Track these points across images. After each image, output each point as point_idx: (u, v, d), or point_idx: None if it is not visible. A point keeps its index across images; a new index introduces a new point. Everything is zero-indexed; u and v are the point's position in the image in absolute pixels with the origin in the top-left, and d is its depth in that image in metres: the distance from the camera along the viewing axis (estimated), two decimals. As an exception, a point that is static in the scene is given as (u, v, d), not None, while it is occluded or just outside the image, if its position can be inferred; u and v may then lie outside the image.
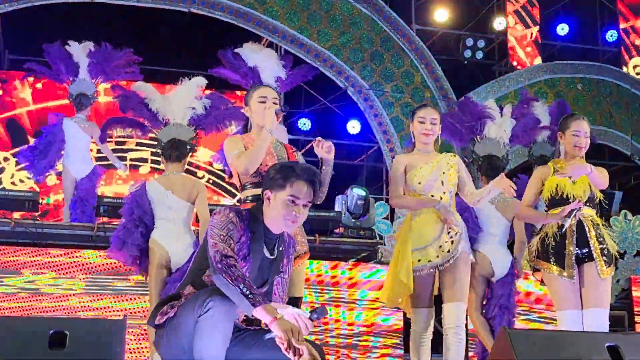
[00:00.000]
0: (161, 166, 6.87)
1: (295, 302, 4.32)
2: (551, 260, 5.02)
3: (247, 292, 3.32)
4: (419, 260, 4.89)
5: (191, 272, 3.72)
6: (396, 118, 12.67)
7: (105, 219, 7.95)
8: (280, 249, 3.79)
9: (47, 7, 11.63)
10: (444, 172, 5.05)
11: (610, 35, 15.16)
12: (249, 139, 4.57)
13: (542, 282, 5.33)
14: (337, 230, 8.54)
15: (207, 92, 7.22)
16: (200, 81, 7.07)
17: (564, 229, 4.96)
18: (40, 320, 4.08)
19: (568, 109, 9.48)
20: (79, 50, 8.82)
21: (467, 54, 13.87)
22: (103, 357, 3.26)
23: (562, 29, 14.91)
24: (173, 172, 6.39)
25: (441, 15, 13.99)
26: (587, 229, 5.05)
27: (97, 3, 11.67)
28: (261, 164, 4.42)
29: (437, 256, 4.88)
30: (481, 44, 13.90)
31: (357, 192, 8.77)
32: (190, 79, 7.03)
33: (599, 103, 14.11)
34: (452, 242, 4.91)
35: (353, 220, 8.67)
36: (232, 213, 3.64)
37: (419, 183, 5.02)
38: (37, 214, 8.05)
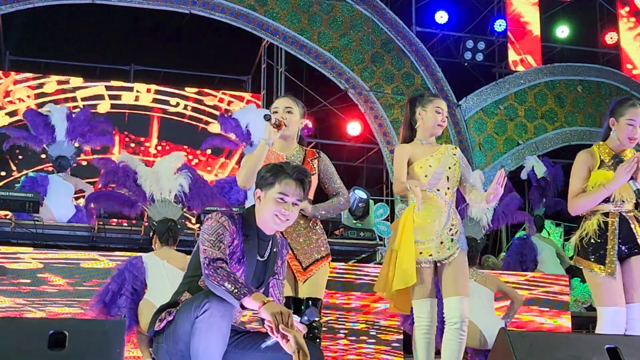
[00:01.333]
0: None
1: (315, 302, 4.39)
2: (591, 258, 4.91)
3: (232, 288, 3.34)
4: (420, 253, 4.83)
5: (186, 279, 3.73)
6: (396, 120, 12.67)
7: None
8: (274, 250, 3.80)
9: (47, 8, 11.63)
10: (449, 167, 4.97)
11: (610, 38, 15.16)
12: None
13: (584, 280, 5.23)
14: (337, 232, 8.55)
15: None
16: (179, 157, 7.20)
17: None
18: (39, 321, 4.08)
19: (561, 174, 9.65)
20: (57, 114, 8.94)
21: (468, 55, 13.86)
22: (103, 358, 3.26)
23: (562, 32, 14.91)
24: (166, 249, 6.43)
25: (441, 18, 13.99)
26: (632, 224, 4.92)
27: (97, 4, 11.68)
28: None
29: (438, 252, 4.83)
30: (481, 46, 13.90)
31: (359, 194, 8.79)
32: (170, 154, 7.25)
33: (598, 105, 14.12)
34: (452, 239, 4.87)
35: (354, 221, 8.68)
36: (223, 217, 3.64)
37: (425, 176, 4.90)
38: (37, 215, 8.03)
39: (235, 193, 8.73)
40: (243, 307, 3.35)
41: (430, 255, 4.82)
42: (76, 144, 8.99)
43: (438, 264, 4.86)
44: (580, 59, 14.55)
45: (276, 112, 4.64)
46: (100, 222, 7.76)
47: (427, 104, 5.07)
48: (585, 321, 9.30)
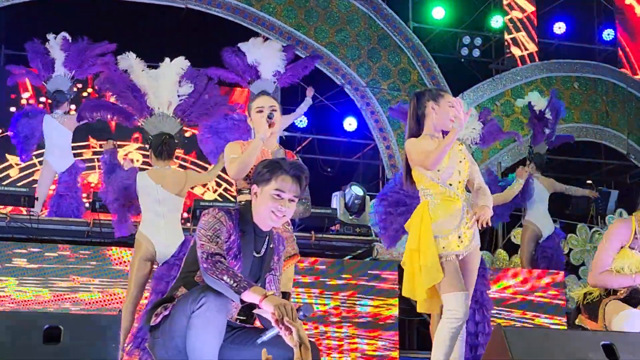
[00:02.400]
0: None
1: (283, 296, 4.35)
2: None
3: (231, 282, 3.33)
4: (443, 248, 4.75)
5: (182, 275, 3.71)
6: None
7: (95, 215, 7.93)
8: (271, 246, 3.79)
9: (44, 2, 11.59)
10: (460, 162, 4.94)
11: (607, 34, 15.16)
12: (249, 146, 4.75)
13: None
14: (333, 228, 8.55)
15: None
16: (181, 62, 6.94)
17: None
18: (34, 315, 4.06)
19: (563, 110, 9.59)
20: (55, 45, 8.72)
21: (464, 52, 13.85)
22: (98, 353, 3.25)
23: (559, 28, 14.90)
24: (162, 166, 6.37)
25: (438, 13, 13.97)
26: None
27: (93, -2, 11.66)
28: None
29: (458, 246, 4.77)
30: (478, 42, 13.90)
31: (355, 190, 8.78)
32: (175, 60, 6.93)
33: (595, 102, 14.12)
34: (472, 233, 4.84)
35: (350, 217, 8.68)
36: (220, 212, 3.64)
37: (438, 171, 4.85)
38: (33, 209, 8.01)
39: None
40: (242, 302, 3.34)
41: (453, 249, 4.75)
42: (73, 77, 8.79)
43: (459, 257, 4.79)
44: (577, 55, 14.54)
45: (261, 111, 4.80)
46: (96, 217, 7.76)
47: (439, 99, 4.97)
48: (580, 318, 9.31)
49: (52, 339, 3.33)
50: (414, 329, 8.88)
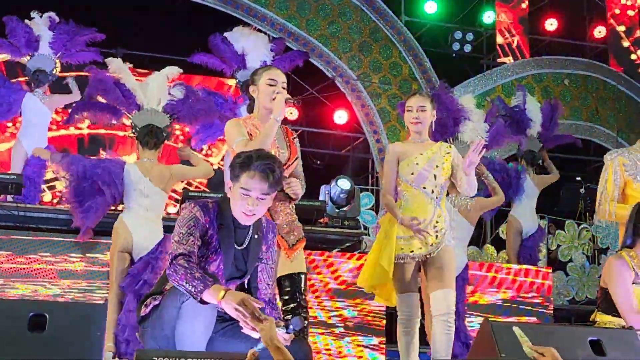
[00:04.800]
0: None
1: (299, 277, 4.41)
2: None
3: (189, 287, 3.30)
4: (401, 249, 4.86)
5: (163, 278, 3.68)
6: (383, 109, 12.65)
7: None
8: (256, 236, 3.72)
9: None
10: (437, 166, 4.98)
11: (598, 32, 15.18)
12: (252, 123, 4.51)
13: None
14: (321, 220, 8.52)
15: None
16: (174, 70, 7.01)
17: None
18: (19, 303, 4.05)
19: (560, 108, 9.57)
20: (41, 23, 8.47)
21: (456, 47, 13.86)
22: (83, 341, 3.23)
23: (551, 24, 14.91)
24: (149, 159, 6.36)
25: (430, 8, 13.95)
26: None
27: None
28: None
29: (420, 248, 4.86)
30: (470, 37, 13.90)
31: (341, 185, 8.75)
32: (166, 67, 7.03)
33: (585, 99, 14.14)
34: (437, 236, 4.89)
35: (337, 210, 8.65)
36: (196, 207, 3.59)
37: (412, 174, 4.94)
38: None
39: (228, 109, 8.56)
40: (204, 302, 3.29)
41: (412, 251, 4.85)
42: (57, 60, 8.56)
43: (421, 260, 4.88)
44: (568, 52, 14.56)
45: (272, 84, 4.48)
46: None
47: (404, 105, 5.18)
48: (567, 314, 9.35)
49: (37, 327, 3.31)
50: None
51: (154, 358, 2.88)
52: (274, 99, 4.39)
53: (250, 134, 4.40)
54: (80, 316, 3.38)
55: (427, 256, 4.87)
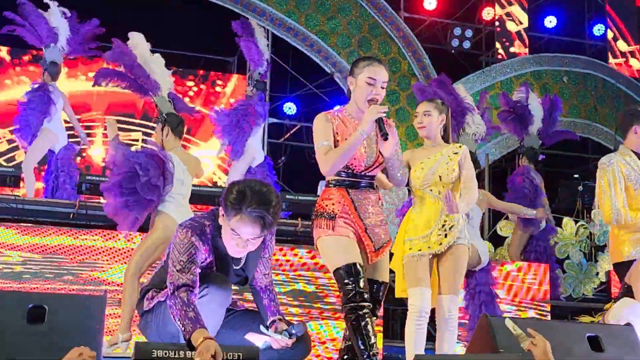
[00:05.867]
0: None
1: (380, 285, 4.19)
2: None
3: (181, 327, 3.27)
4: (410, 249, 4.95)
5: (163, 269, 3.67)
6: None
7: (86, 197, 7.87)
8: (253, 250, 3.67)
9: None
10: (441, 167, 5.01)
11: (598, 30, 15.17)
12: (341, 117, 4.23)
13: None
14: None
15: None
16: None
17: None
18: (19, 295, 4.04)
19: (559, 105, 9.56)
20: (59, 14, 8.54)
21: (455, 43, 13.85)
22: (82, 333, 3.23)
23: (550, 22, 14.91)
24: (176, 148, 6.34)
25: (430, 4, 13.94)
26: None
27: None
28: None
29: (428, 247, 4.91)
30: (469, 33, 13.90)
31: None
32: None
33: (584, 96, 14.13)
34: (445, 235, 4.91)
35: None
36: (194, 236, 3.49)
37: (418, 178, 5.01)
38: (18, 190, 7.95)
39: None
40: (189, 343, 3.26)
41: (420, 250, 4.88)
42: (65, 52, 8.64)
43: (432, 256, 4.91)
44: (567, 49, 14.56)
45: (371, 83, 4.12)
46: (82, 199, 7.71)
47: (417, 110, 5.21)
48: (564, 311, 9.34)
49: (37, 319, 3.31)
50: (397, 317, 8.87)
51: (153, 350, 2.88)
52: (370, 100, 4.09)
53: (335, 132, 4.15)
54: (79, 308, 3.38)
55: (438, 253, 4.90)
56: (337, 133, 4.13)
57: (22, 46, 9.90)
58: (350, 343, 4.00)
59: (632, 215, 5.24)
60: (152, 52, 6.93)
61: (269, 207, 3.42)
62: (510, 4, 14.60)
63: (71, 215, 7.69)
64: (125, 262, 6.39)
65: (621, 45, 15.42)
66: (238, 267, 3.66)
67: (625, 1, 15.55)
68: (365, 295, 3.91)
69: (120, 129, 7.21)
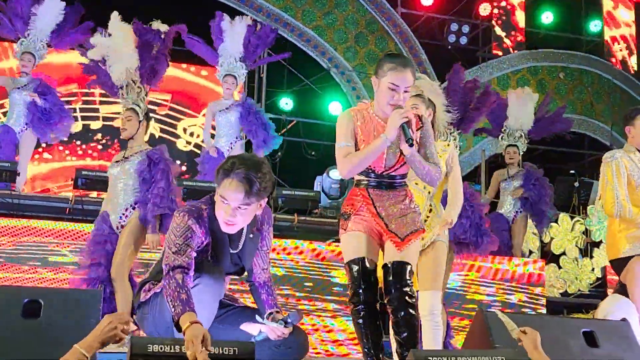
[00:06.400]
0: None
1: (403, 267, 3.99)
2: None
3: (171, 307, 3.26)
4: None
5: (159, 262, 3.68)
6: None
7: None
8: (251, 235, 3.66)
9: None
10: None
11: (594, 26, 15.18)
12: (364, 115, 4.11)
13: None
14: (316, 211, 8.53)
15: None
16: None
17: None
18: (14, 290, 4.04)
19: (545, 102, 9.57)
20: (48, 7, 8.39)
21: (452, 39, 13.85)
22: (78, 327, 3.23)
23: (547, 17, 14.91)
24: None
25: (426, 0, 13.95)
26: None
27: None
28: None
29: None
30: (466, 29, 13.89)
31: (332, 175, 8.77)
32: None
33: (580, 92, 14.15)
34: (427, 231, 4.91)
35: (329, 201, 8.67)
36: (191, 220, 3.49)
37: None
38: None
39: None
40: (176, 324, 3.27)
41: None
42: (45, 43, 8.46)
43: None
44: (564, 45, 14.57)
45: (394, 89, 3.96)
46: (78, 194, 7.70)
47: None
48: (559, 306, 9.36)
49: (32, 314, 3.31)
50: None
51: (149, 345, 2.88)
52: (392, 105, 3.97)
53: (357, 131, 4.07)
54: (75, 302, 3.37)
55: (420, 249, 4.88)
56: (359, 133, 4.07)
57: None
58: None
59: (635, 212, 5.24)
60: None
61: (256, 171, 3.42)
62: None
63: (67, 210, 7.69)
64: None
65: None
66: (235, 252, 3.63)
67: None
68: (363, 297, 3.89)
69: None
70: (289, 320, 3.47)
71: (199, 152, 12.35)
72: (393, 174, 4.06)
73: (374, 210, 4.02)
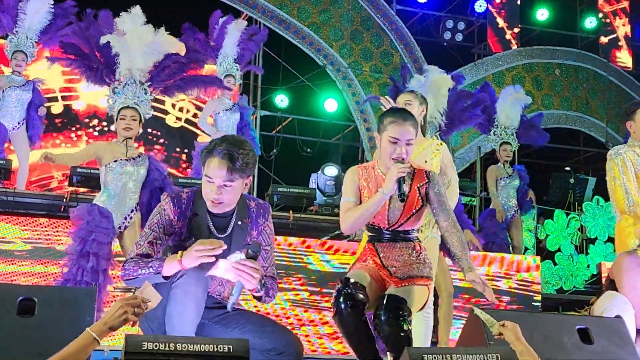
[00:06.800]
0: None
1: (395, 300, 3.76)
2: None
3: (148, 271, 3.36)
4: None
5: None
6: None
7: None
8: (240, 223, 3.64)
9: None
10: (426, 161, 5.02)
11: (589, 22, 15.19)
12: (369, 172, 4.11)
13: None
14: (311, 208, 8.54)
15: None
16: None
17: None
18: (8, 287, 4.03)
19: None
20: (36, 4, 8.32)
21: (447, 35, 13.85)
22: (73, 325, 3.22)
23: (542, 14, 14.92)
24: None
25: (422, -4, 13.95)
26: None
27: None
28: None
29: None
30: (461, 26, 13.89)
31: (327, 172, 8.77)
32: None
33: (575, 89, 14.17)
34: (422, 230, 4.92)
35: (324, 198, 8.67)
36: (168, 199, 3.57)
37: None
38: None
39: None
40: (167, 278, 3.33)
41: None
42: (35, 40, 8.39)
43: None
44: (559, 42, 14.58)
45: (395, 142, 3.97)
46: (72, 191, 7.69)
47: (399, 101, 5.18)
48: (555, 303, 9.38)
49: (26, 311, 3.30)
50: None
51: (144, 343, 2.87)
52: (394, 160, 3.94)
53: (362, 187, 4.06)
54: (69, 300, 3.37)
55: None
56: (363, 188, 4.08)
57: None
58: None
59: None
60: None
61: (238, 148, 3.46)
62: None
63: (62, 207, 7.68)
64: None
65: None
66: (222, 237, 3.58)
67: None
68: (345, 293, 3.76)
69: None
70: (251, 253, 3.39)
71: (191, 128, 12.38)
72: (398, 229, 4.04)
73: (379, 261, 4.00)
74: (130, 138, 6.20)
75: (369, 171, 4.10)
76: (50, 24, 8.38)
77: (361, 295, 3.76)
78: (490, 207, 9.23)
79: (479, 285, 3.79)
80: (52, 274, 6.51)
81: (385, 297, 3.73)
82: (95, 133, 11.92)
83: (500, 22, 14.51)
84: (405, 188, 3.90)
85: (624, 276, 4.61)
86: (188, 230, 3.57)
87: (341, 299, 3.74)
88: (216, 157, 3.45)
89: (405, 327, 3.66)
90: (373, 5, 13.09)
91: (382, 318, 3.66)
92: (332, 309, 3.81)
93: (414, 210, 4.01)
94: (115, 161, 6.09)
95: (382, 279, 3.97)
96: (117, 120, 6.26)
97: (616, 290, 4.62)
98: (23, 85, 8.25)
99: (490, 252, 8.24)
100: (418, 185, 4.03)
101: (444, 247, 4.98)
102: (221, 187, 3.48)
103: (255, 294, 3.54)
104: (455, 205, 5.41)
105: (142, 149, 10.57)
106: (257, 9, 12.38)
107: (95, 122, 11.99)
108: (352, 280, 3.80)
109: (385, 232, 4.04)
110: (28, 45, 8.32)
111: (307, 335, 7.09)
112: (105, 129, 11.90)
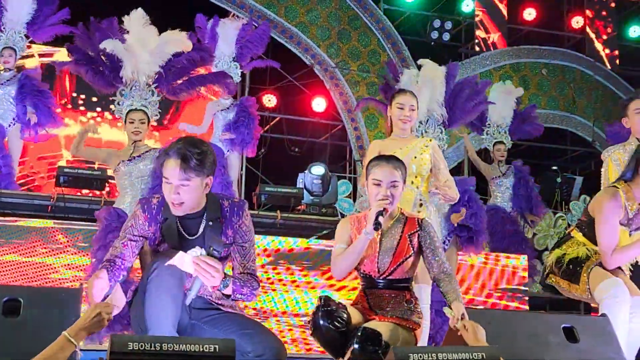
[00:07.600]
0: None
1: (375, 336, 3.62)
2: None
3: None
4: None
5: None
6: (362, 97, 12.63)
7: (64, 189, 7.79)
8: (211, 223, 3.61)
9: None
10: (415, 157, 5.04)
11: (576, 22, 15.23)
12: (360, 222, 4.08)
13: None
14: (299, 208, 8.54)
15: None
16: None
17: None
18: (-6, 288, 4.02)
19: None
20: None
21: (434, 35, 13.84)
22: (58, 326, 3.22)
23: (530, 14, 14.95)
24: None
25: (409, -4, 13.96)
26: None
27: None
28: None
29: None
30: (448, 25, 13.90)
31: (314, 171, 8.77)
32: None
33: (562, 89, 14.21)
34: None
35: (312, 197, 8.67)
36: (138, 205, 3.62)
37: None
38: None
39: None
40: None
41: None
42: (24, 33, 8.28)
43: None
44: (546, 42, 14.62)
45: (378, 184, 3.99)
46: (60, 191, 7.66)
47: (392, 100, 5.22)
48: (541, 302, 9.41)
49: (12, 312, 3.30)
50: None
51: (129, 343, 2.87)
52: (378, 200, 3.93)
53: (353, 235, 4.06)
54: (54, 301, 3.37)
55: None
56: (355, 237, 4.06)
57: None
58: None
59: None
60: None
61: (192, 147, 3.46)
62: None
63: (49, 208, 7.66)
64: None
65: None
66: (193, 238, 3.59)
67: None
68: (314, 323, 3.67)
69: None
70: (211, 248, 3.37)
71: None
72: (390, 278, 4.01)
73: (367, 305, 3.98)
74: (140, 140, 6.23)
75: (360, 221, 4.10)
76: (36, 14, 8.29)
77: (343, 313, 3.67)
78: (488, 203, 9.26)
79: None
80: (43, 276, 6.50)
81: (361, 328, 3.62)
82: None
83: (487, 22, 14.53)
84: (381, 219, 3.87)
85: (604, 218, 4.50)
86: (161, 235, 3.59)
87: (319, 314, 3.65)
88: (172, 157, 3.45)
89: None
90: (360, 5, 13.10)
91: (354, 348, 3.54)
92: (309, 327, 3.72)
93: (403, 258, 3.99)
94: (119, 164, 6.16)
95: (370, 318, 3.91)
96: (125, 123, 6.29)
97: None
98: (9, 80, 8.15)
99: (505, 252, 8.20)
100: (409, 233, 4.02)
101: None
102: (178, 187, 3.47)
103: (224, 292, 3.53)
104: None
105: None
106: (245, 9, 12.37)
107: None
108: (333, 300, 3.73)
109: (377, 280, 4.01)
110: (17, 40, 8.24)
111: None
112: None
